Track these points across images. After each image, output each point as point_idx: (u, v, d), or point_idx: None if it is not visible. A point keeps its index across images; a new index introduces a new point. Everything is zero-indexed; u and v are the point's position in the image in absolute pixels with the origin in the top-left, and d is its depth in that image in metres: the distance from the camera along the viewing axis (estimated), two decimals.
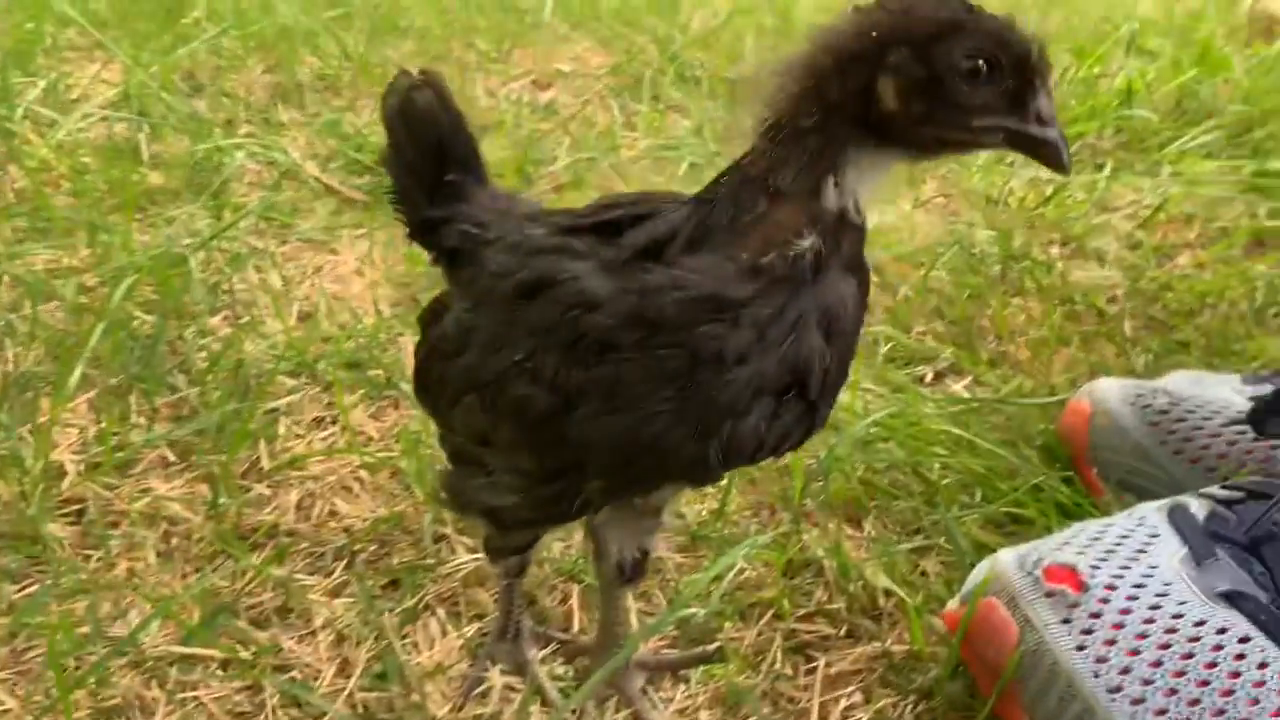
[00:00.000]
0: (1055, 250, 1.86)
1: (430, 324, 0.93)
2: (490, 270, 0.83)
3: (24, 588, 1.13)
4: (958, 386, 1.47)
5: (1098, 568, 0.93)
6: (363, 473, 1.28)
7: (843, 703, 1.03)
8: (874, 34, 0.71)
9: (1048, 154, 0.72)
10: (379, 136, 1.98)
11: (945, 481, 1.26)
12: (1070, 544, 0.96)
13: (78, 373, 1.35)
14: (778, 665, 1.07)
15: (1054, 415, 1.37)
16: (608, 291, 0.74)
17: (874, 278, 1.69)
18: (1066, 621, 0.89)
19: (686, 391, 0.73)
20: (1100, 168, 2.10)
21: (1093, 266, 1.80)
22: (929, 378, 1.49)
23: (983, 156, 2.08)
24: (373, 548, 1.18)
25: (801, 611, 1.12)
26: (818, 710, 1.02)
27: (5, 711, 1.00)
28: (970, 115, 0.71)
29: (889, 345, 1.52)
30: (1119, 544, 0.95)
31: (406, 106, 0.95)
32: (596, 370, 0.74)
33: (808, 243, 0.73)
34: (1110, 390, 1.28)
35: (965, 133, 0.72)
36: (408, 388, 1.40)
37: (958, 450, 1.30)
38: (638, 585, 1.01)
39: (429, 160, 0.96)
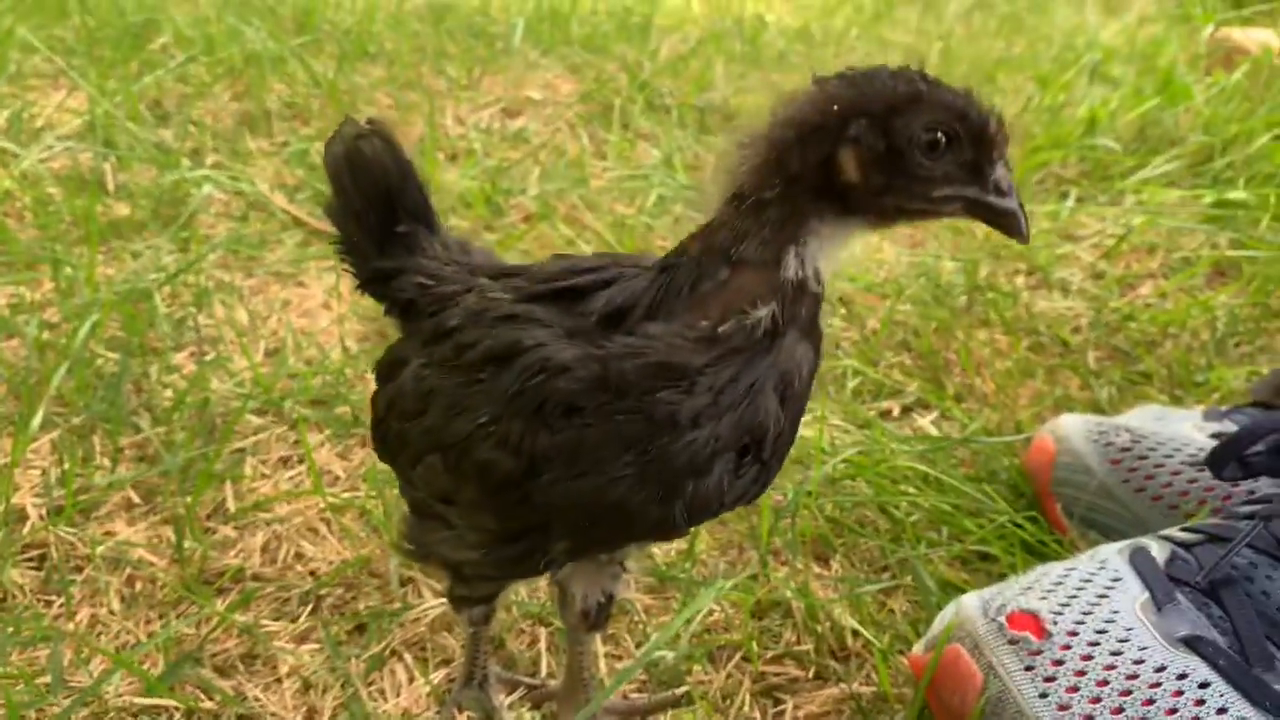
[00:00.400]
0: (1020, 280, 1.88)
1: (387, 377, 0.91)
2: (455, 341, 0.82)
3: None
4: (925, 421, 1.48)
5: (1060, 614, 0.93)
6: (329, 514, 1.27)
7: None
8: (834, 107, 0.72)
9: (1007, 223, 0.74)
10: None
11: (912, 519, 1.27)
12: (1033, 589, 0.97)
13: (40, 413, 1.34)
14: (746, 708, 1.07)
15: (1019, 450, 1.38)
16: (572, 358, 0.74)
17: (841, 310, 1.71)
18: (1029, 669, 0.90)
19: (647, 455, 0.73)
20: (1064, 197, 2.13)
21: (1057, 297, 1.82)
22: (896, 412, 1.50)
23: None
24: (339, 591, 1.18)
25: (770, 653, 1.12)
26: None
27: None
28: (930, 186, 0.73)
29: (856, 379, 1.53)
30: (1081, 589, 0.96)
31: (353, 156, 0.94)
32: (561, 435, 0.74)
33: (765, 311, 0.74)
34: (1073, 427, 1.30)
35: (925, 202, 0.73)
36: None
37: (925, 488, 1.31)
38: (603, 630, 1.01)
39: (378, 211, 0.95)
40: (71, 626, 1.12)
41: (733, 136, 0.76)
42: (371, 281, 0.98)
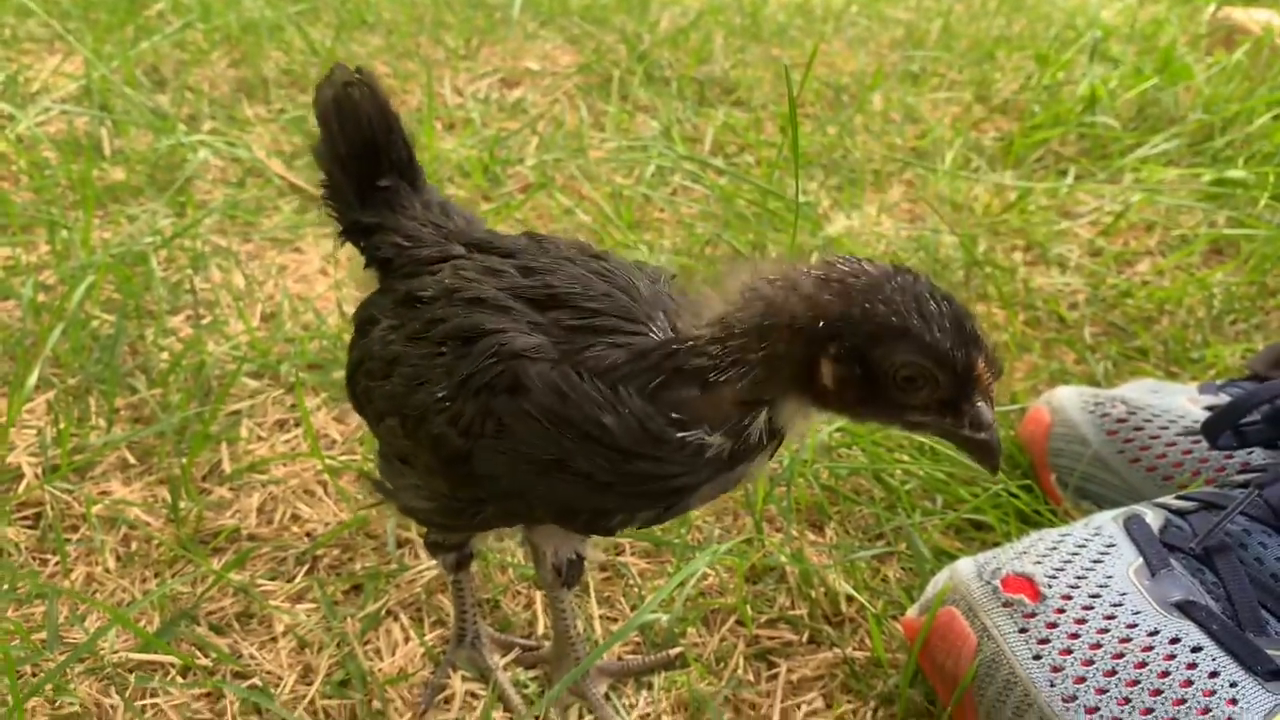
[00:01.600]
0: (1018, 256, 1.87)
1: (360, 331, 0.93)
2: (426, 314, 0.83)
3: None
4: None
5: (1054, 577, 0.94)
6: (325, 477, 1.27)
7: (804, 709, 1.04)
8: (821, 321, 0.70)
9: (979, 457, 0.74)
10: None
11: (907, 488, 1.27)
12: (1028, 553, 0.97)
13: (36, 373, 1.34)
14: (740, 671, 1.08)
15: (1014, 422, 1.39)
16: (528, 345, 0.77)
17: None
18: (1023, 631, 0.90)
19: (574, 484, 0.77)
20: (1063, 174, 2.13)
21: (1054, 273, 1.82)
22: None
23: (948, 160, 2.10)
24: (335, 552, 1.18)
25: (764, 618, 1.13)
26: (779, 716, 1.03)
27: None
28: (903, 411, 0.72)
29: None
30: (1075, 554, 0.97)
31: (341, 101, 0.94)
32: (505, 415, 0.77)
33: (716, 441, 0.75)
34: (1069, 398, 1.30)
35: (898, 422, 0.74)
36: None
37: (919, 457, 1.31)
38: (574, 585, 1.02)
39: (361, 161, 0.96)
40: (67, 584, 1.12)
41: (740, 267, 0.75)
42: (351, 232, 0.99)
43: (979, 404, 0.71)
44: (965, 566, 0.98)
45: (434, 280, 0.85)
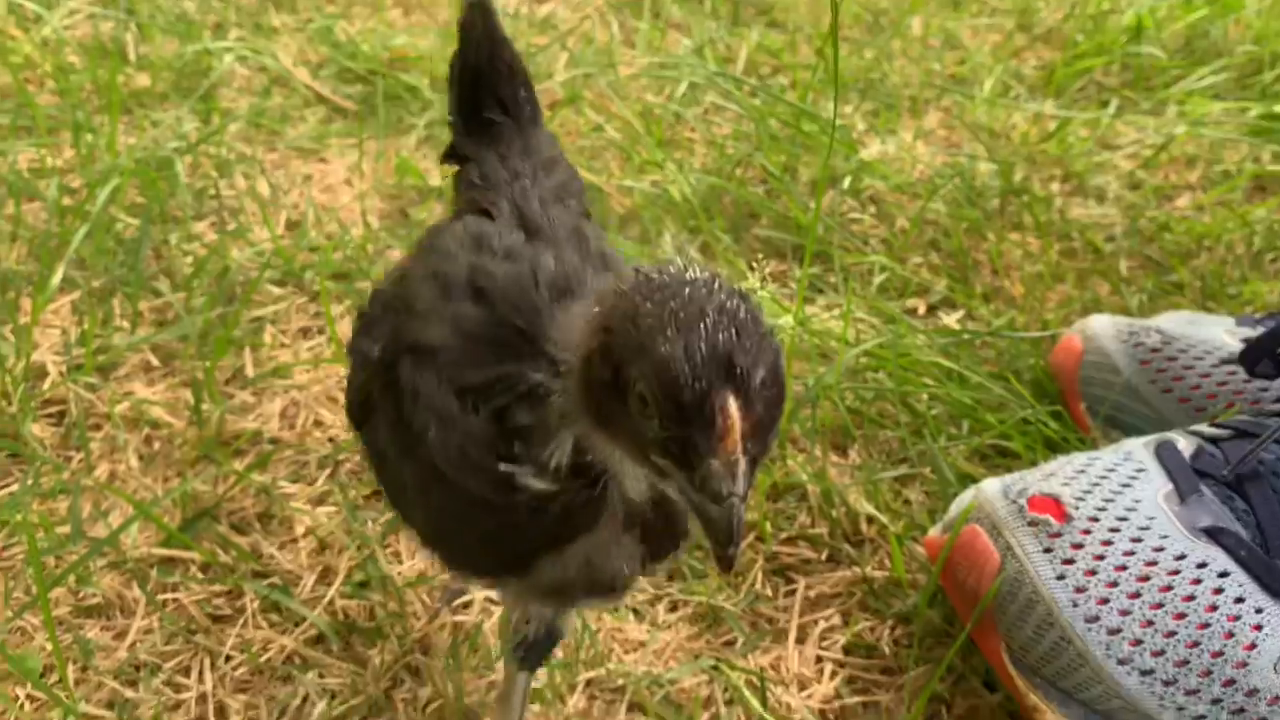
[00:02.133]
0: (1056, 186, 1.83)
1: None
2: (406, 267, 0.80)
3: (4, 486, 1.12)
4: (951, 319, 1.45)
5: (1082, 500, 0.92)
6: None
7: (821, 624, 1.04)
8: (600, 332, 0.59)
9: (709, 535, 0.55)
10: (371, 45, 1.95)
11: (933, 413, 1.26)
12: (1056, 475, 0.96)
13: (60, 273, 1.34)
14: (758, 585, 1.07)
15: (1045, 350, 1.37)
16: (405, 378, 0.71)
17: (871, 207, 1.68)
18: (1048, 551, 0.89)
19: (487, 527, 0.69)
20: (1105, 104, 2.07)
21: (1092, 204, 1.78)
22: (921, 310, 1.48)
23: (987, 88, 2.05)
24: (356, 459, 1.18)
25: (784, 535, 1.12)
26: (796, 630, 1.03)
27: None
28: (647, 445, 0.56)
29: (883, 275, 1.51)
30: (1104, 477, 0.95)
31: (463, 22, 0.91)
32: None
33: (530, 480, 0.65)
34: (1103, 327, 1.27)
35: (646, 465, 0.58)
36: None
37: (947, 382, 1.29)
38: (532, 670, 0.88)
39: (470, 87, 0.92)
40: (90, 481, 1.13)
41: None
42: (449, 157, 0.95)
43: (711, 462, 0.53)
44: (991, 486, 0.97)
45: (449, 233, 0.80)
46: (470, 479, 0.67)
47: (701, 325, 0.53)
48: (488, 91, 0.91)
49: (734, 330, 0.54)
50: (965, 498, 0.99)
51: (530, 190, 0.84)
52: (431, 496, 0.71)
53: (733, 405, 0.52)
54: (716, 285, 0.57)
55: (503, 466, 0.64)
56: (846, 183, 1.69)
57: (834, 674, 1.00)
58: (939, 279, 1.53)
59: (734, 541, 0.54)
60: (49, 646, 0.95)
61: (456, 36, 0.92)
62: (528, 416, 0.64)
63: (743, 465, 0.53)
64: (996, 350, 1.38)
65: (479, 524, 0.69)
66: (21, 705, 0.93)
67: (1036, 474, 0.97)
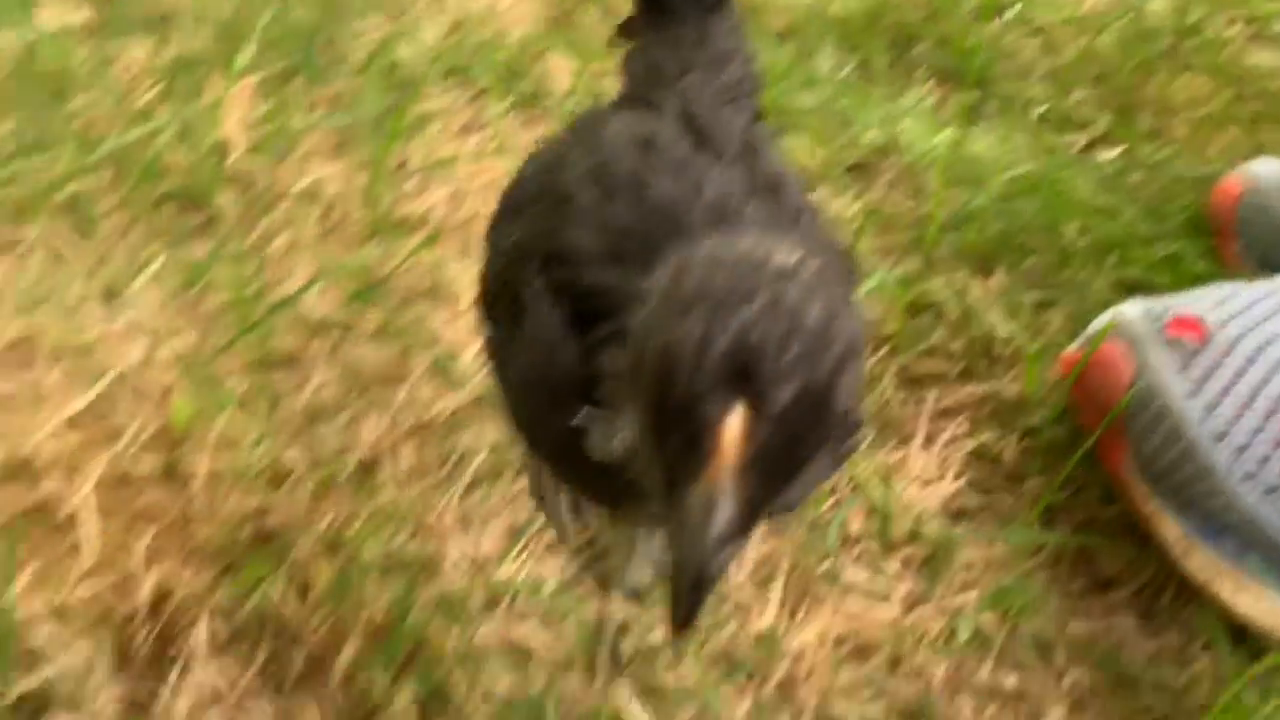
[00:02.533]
0: (1235, 29, 1.75)
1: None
2: (544, 158, 0.70)
3: (197, 247, 1.23)
4: (1109, 155, 1.43)
5: (1224, 324, 0.93)
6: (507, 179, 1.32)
7: (948, 432, 1.08)
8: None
9: (670, 581, 0.43)
10: None
11: (1081, 243, 1.26)
12: (1200, 300, 0.97)
13: (244, 54, 1.41)
14: (888, 394, 1.12)
15: (1204, 191, 1.34)
16: (530, 311, 0.58)
17: (1037, 38, 1.64)
18: (1184, 369, 0.91)
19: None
20: None
21: (1272, 52, 1.70)
22: (1080, 145, 1.46)
23: None
24: None
25: (919, 348, 1.15)
26: (923, 436, 1.08)
27: (175, 346, 1.11)
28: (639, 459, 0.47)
29: (1043, 107, 1.48)
30: (1250, 306, 0.95)
31: None
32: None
33: (593, 426, 0.53)
34: (1267, 170, 1.24)
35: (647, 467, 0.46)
36: (554, 103, 1.43)
37: (1098, 215, 1.28)
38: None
39: None
40: (271, 250, 1.23)
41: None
42: (622, 34, 0.85)
43: (689, 489, 0.40)
44: (1132, 306, 0.98)
45: (612, 122, 0.69)
46: (542, 417, 0.57)
47: (733, 312, 0.41)
48: None
49: (778, 327, 0.40)
50: (1106, 316, 1.01)
51: (701, 89, 0.74)
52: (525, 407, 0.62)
53: (733, 421, 0.39)
54: (796, 268, 0.43)
55: (577, 418, 0.53)
56: (1013, 11, 1.64)
57: (957, 476, 1.05)
58: (1101, 115, 1.49)
59: (691, 597, 0.41)
60: (242, 388, 1.06)
61: None
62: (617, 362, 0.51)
63: (727, 505, 0.40)
64: (1154, 189, 1.36)
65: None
66: (214, 441, 1.04)
67: (1180, 298, 0.98)
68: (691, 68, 0.75)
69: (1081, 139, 1.46)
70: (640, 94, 0.75)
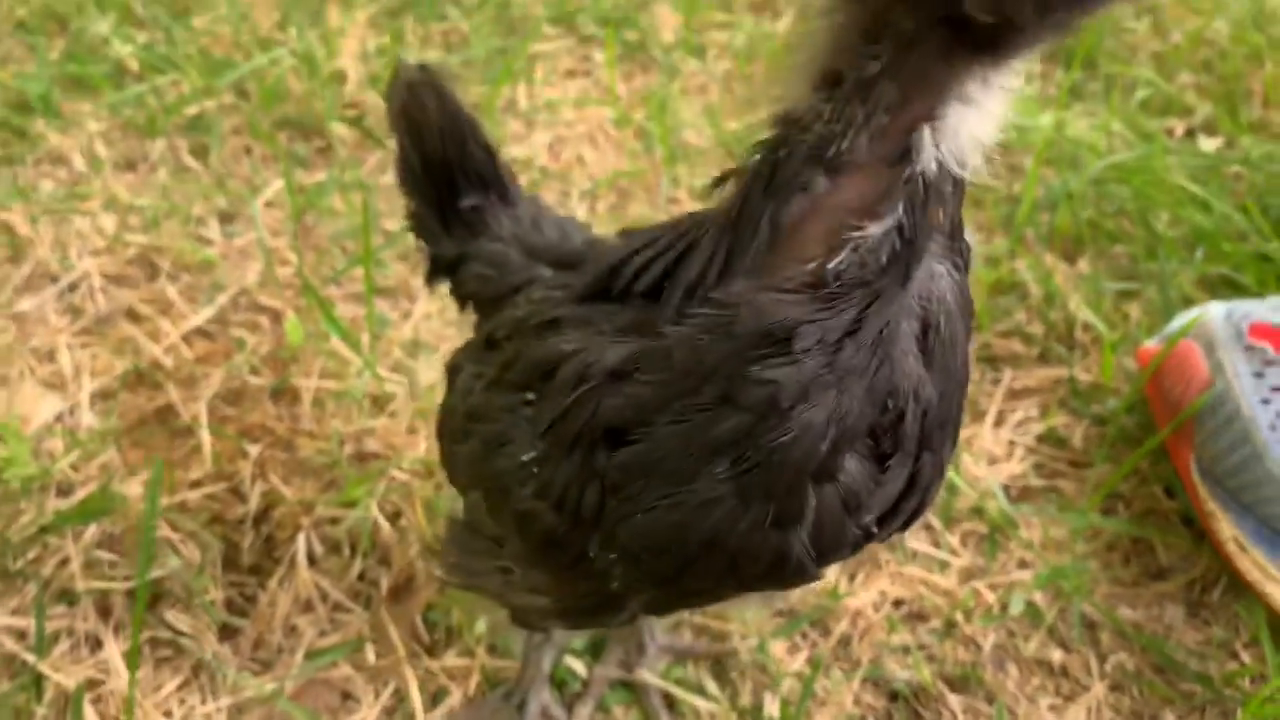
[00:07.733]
0: None
1: (449, 381, 0.75)
2: (500, 356, 0.66)
3: (311, 174, 1.29)
4: (1209, 145, 1.43)
5: None
6: (609, 127, 1.36)
7: (1019, 413, 1.11)
8: None
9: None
10: None
11: (1170, 234, 1.26)
12: None
13: None
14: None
15: None
16: (622, 357, 0.55)
17: (1146, 16, 1.62)
18: (1259, 376, 0.93)
19: (744, 460, 0.52)
20: None
21: None
22: (1180, 131, 1.46)
23: None
24: (613, 198, 1.29)
25: (1000, 328, 1.18)
26: (994, 415, 1.11)
27: (288, 270, 1.17)
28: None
29: (1147, 91, 1.48)
30: None
31: (411, 110, 0.80)
32: (622, 456, 0.55)
33: (888, 224, 0.50)
34: None
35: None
36: (660, 53, 1.46)
37: (1191, 205, 1.29)
38: None
39: (438, 181, 0.81)
40: (382, 182, 1.28)
41: (810, 5, 0.51)
42: (436, 271, 0.84)
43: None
44: (1215, 307, 1.00)
45: (505, 316, 0.68)
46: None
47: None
48: (460, 176, 0.81)
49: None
50: (1188, 315, 1.02)
51: (562, 241, 0.77)
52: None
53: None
54: None
55: (840, 256, 0.51)
56: None
57: (1024, 457, 1.08)
58: (1205, 102, 1.48)
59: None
60: (353, 314, 1.12)
61: (401, 130, 0.82)
62: (820, 187, 0.51)
63: None
64: (1250, 183, 1.35)
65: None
66: (327, 361, 1.11)
67: (1265, 304, 1.00)
68: (545, 233, 0.79)
69: (1182, 126, 1.46)
70: (494, 294, 0.75)
